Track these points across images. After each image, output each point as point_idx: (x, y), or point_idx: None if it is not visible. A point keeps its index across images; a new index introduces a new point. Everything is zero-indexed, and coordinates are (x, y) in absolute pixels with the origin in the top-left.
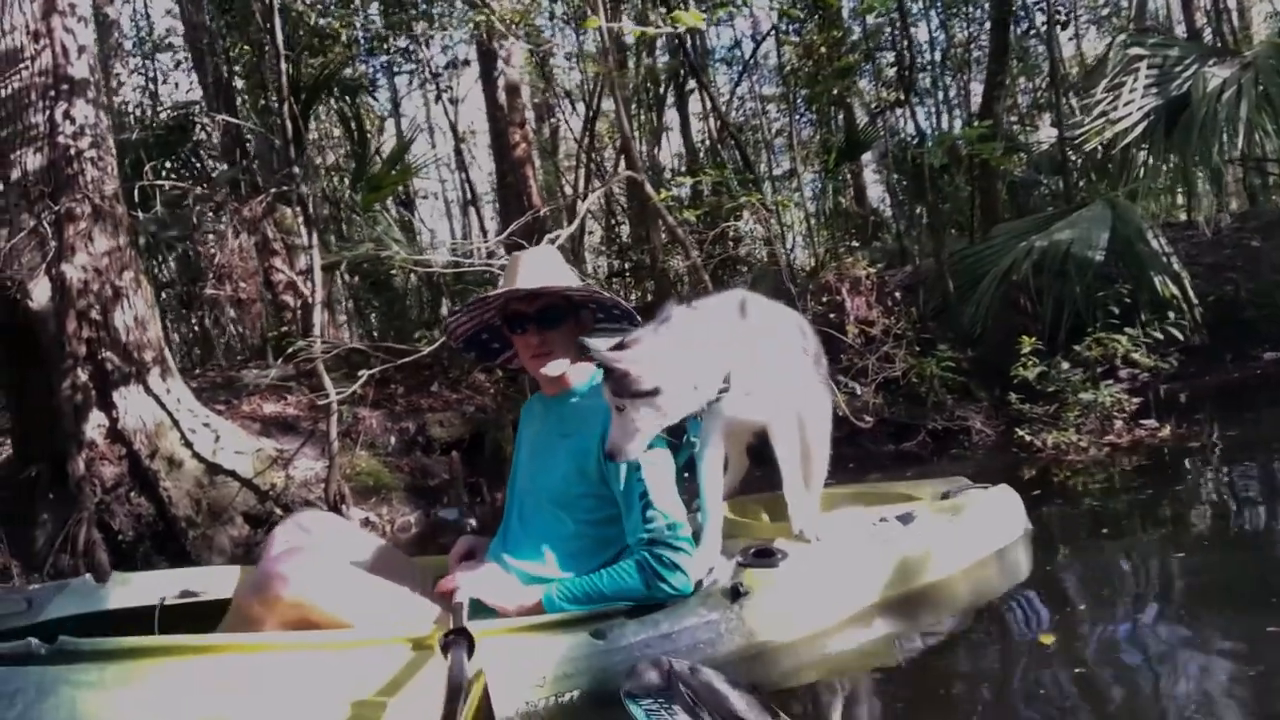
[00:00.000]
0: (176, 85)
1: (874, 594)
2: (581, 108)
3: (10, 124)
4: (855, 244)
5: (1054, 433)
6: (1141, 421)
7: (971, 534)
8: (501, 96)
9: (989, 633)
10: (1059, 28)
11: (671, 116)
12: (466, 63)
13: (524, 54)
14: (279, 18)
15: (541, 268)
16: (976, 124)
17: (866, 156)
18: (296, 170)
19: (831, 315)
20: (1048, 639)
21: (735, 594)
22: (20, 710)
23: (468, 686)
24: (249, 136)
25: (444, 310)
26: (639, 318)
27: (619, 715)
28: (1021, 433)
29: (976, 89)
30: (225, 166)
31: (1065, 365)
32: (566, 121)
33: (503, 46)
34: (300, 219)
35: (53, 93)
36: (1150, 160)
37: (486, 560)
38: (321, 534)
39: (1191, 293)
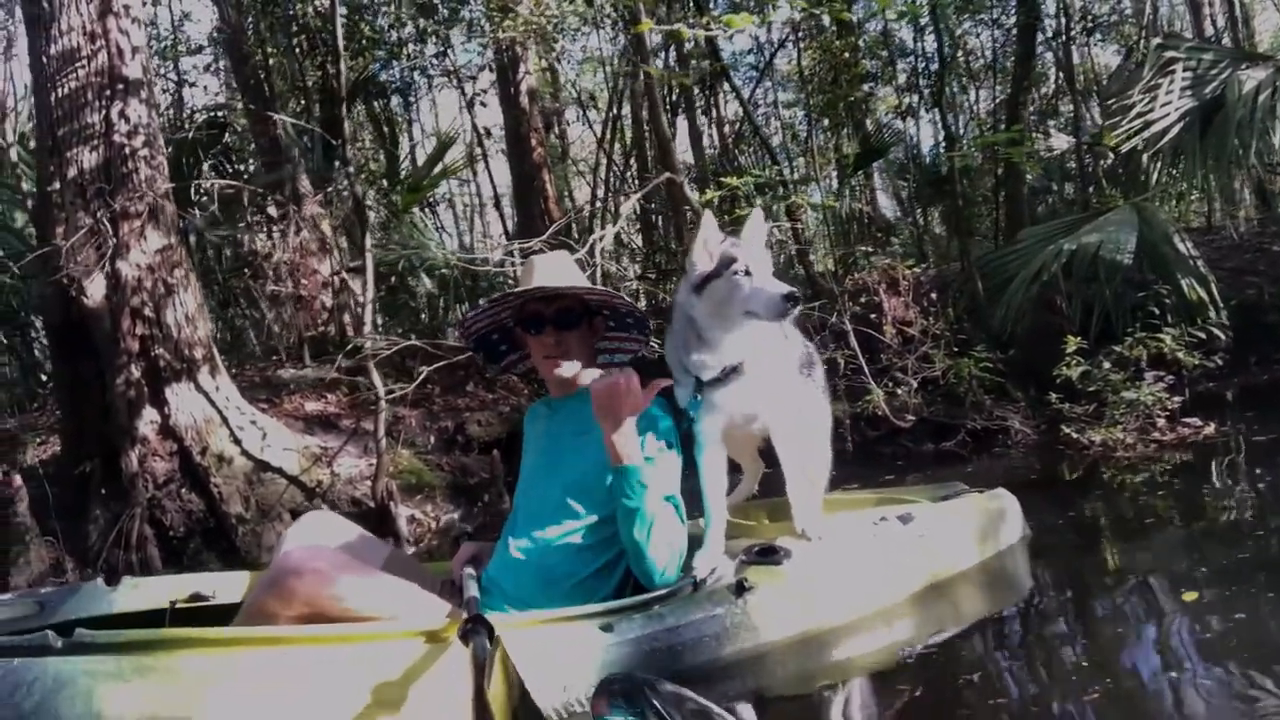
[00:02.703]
0: (205, 89)
1: (875, 592)
2: (591, 114)
3: (67, 123)
4: (869, 249)
5: (1101, 430)
6: (1184, 420)
7: (970, 536)
8: (524, 100)
9: (988, 632)
10: (1085, 34)
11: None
12: (499, 68)
13: (536, 60)
14: (321, 20)
15: (558, 272)
16: (1012, 128)
17: (876, 163)
18: (351, 170)
19: (873, 316)
20: (1190, 596)
21: (740, 589)
22: (37, 700)
23: (490, 659)
24: (294, 138)
25: (459, 313)
26: (650, 324)
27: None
28: (1068, 431)
29: (980, 96)
30: (254, 168)
31: (1106, 365)
32: (591, 126)
33: (524, 52)
34: (334, 220)
35: (108, 92)
36: (1182, 163)
37: (492, 563)
38: (332, 536)
39: (1217, 296)
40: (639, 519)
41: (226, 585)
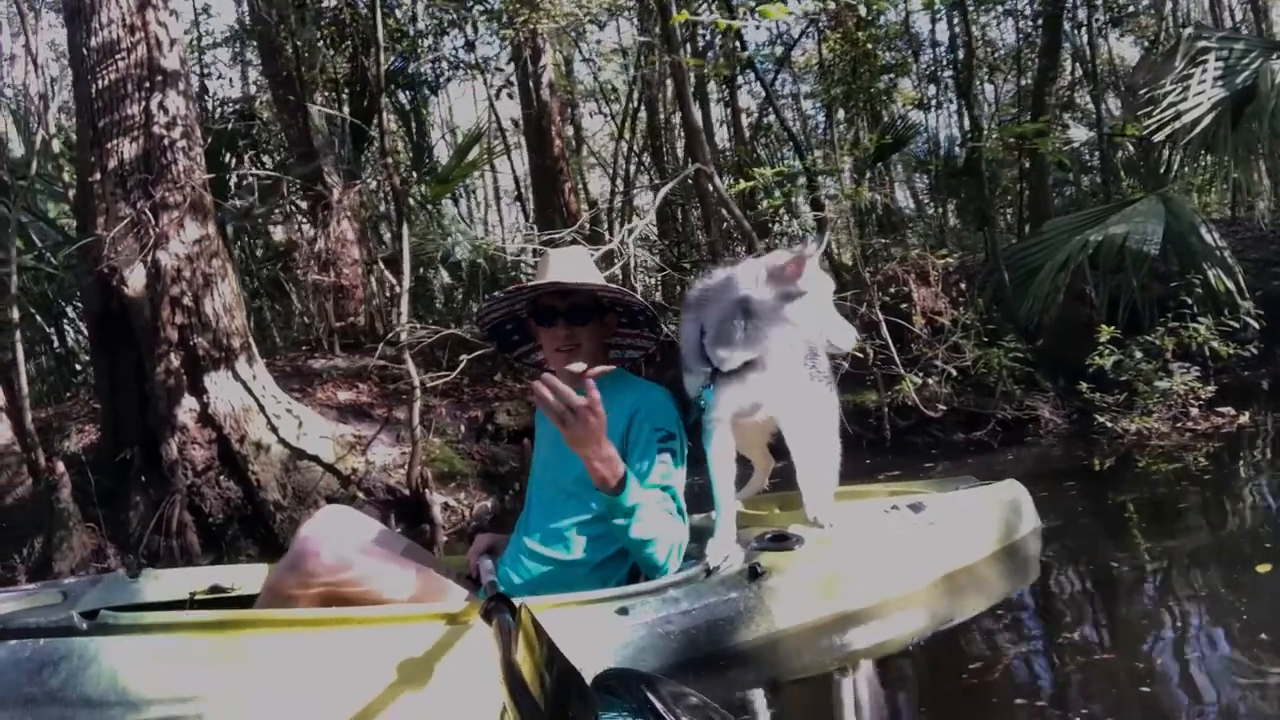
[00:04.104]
0: (231, 81)
1: (887, 577)
2: (608, 106)
3: (107, 115)
4: (888, 240)
5: (1136, 419)
6: (1218, 409)
7: (982, 525)
8: (545, 93)
9: (1000, 621)
10: (1111, 25)
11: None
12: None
13: (552, 54)
14: (351, 12)
15: (574, 267)
16: (1037, 119)
17: (893, 155)
18: (389, 161)
19: (903, 305)
20: (1264, 568)
21: (754, 573)
22: (64, 678)
23: (515, 632)
24: (325, 130)
25: (480, 304)
26: (661, 322)
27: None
28: (1102, 419)
29: (1002, 88)
30: (284, 160)
31: (1139, 354)
32: (611, 118)
33: (545, 44)
34: (364, 211)
35: (147, 84)
36: (1210, 154)
37: (506, 553)
38: (350, 527)
39: (1244, 286)
40: (631, 545)
41: (246, 577)
